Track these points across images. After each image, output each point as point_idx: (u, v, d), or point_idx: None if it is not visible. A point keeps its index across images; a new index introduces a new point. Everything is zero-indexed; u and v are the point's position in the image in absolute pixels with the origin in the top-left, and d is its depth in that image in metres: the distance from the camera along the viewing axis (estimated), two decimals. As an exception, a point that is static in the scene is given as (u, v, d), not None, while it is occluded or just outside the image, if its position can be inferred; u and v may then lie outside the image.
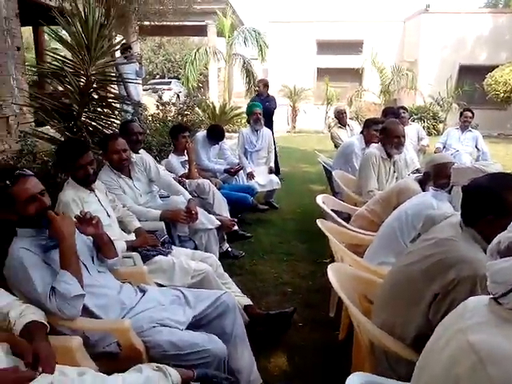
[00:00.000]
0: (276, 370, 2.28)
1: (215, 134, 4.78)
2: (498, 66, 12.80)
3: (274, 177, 5.15)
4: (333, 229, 2.67)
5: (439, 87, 13.27)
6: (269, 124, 6.07)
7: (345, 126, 6.21)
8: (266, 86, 6.56)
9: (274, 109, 6.74)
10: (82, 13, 3.81)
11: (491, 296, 1.03)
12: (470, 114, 6.04)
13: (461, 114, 6.22)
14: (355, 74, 15.52)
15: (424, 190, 2.72)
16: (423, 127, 12.51)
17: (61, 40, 4.04)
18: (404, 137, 3.63)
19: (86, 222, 1.97)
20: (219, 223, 3.29)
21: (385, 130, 3.66)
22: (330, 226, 2.68)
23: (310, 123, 14.15)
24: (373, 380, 1.34)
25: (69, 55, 4.05)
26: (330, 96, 13.99)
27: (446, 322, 1.12)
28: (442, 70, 13.88)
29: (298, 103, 14.39)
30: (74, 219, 1.94)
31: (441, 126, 12.96)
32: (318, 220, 2.60)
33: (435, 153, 5.97)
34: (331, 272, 1.83)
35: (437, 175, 2.63)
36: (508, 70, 12.29)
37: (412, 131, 6.08)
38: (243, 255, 3.69)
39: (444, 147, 6.17)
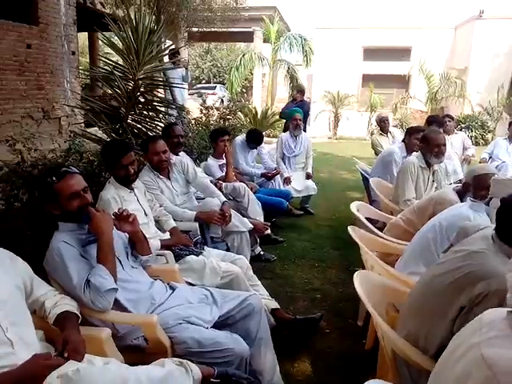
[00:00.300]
0: (299, 374, 2.29)
1: (254, 139, 4.84)
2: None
3: (310, 182, 5.15)
4: (364, 236, 2.64)
5: (489, 96, 12.76)
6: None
7: (386, 134, 6.11)
8: (300, 91, 6.74)
9: (307, 112, 6.90)
10: (133, 20, 4.00)
11: (509, 309, 1.01)
12: (519, 124, 5.77)
13: (510, 124, 5.95)
14: (402, 81, 15.22)
15: (462, 201, 2.65)
16: (471, 137, 12.08)
17: (111, 45, 4.25)
18: (445, 146, 3.52)
19: (123, 219, 2.06)
20: (252, 226, 3.33)
21: (425, 138, 3.57)
22: (362, 234, 2.66)
23: (353, 130, 13.99)
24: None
25: (121, 61, 4.25)
26: (374, 103, 13.77)
27: (462, 334, 1.10)
28: (494, 78, 13.31)
29: (341, 109, 14.27)
30: (112, 216, 2.04)
31: (489, 135, 12.46)
32: (349, 227, 2.59)
33: (480, 163, 5.76)
34: (358, 280, 1.83)
35: (477, 186, 2.55)
36: None
37: (457, 140, 5.90)
38: (275, 259, 3.72)
39: (490, 158, 5.91)
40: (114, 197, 2.51)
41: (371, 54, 16.05)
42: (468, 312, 1.42)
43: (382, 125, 6.12)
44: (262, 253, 3.70)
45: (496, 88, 12.79)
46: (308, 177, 5.22)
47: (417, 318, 1.63)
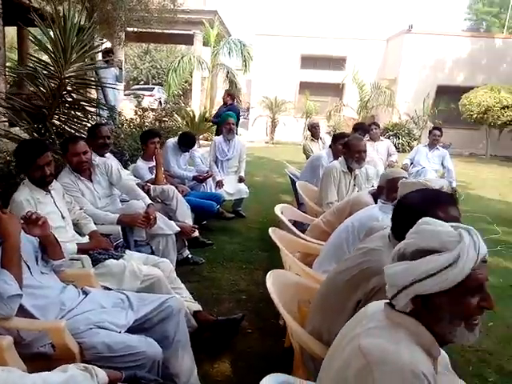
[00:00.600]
0: (218, 375, 2.31)
1: (186, 141, 4.82)
2: (473, 88, 13.22)
3: (243, 186, 5.21)
4: (285, 238, 2.72)
5: (416, 105, 13.64)
6: None
7: (317, 139, 6.35)
8: (230, 95, 6.90)
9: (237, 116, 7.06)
10: (62, 16, 3.86)
11: (387, 301, 1.09)
12: (438, 133, 6.21)
13: (430, 132, 6.40)
14: (337, 89, 15.86)
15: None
16: (398, 144, 12.86)
17: (37, 41, 4.07)
18: (365, 152, 3.72)
19: (32, 222, 1.97)
20: (178, 229, 3.31)
21: (347, 144, 3.76)
22: (283, 235, 2.74)
23: (289, 135, 14.35)
24: (288, 381, 1.39)
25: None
26: (309, 109, 14.22)
27: (349, 325, 1.17)
28: (420, 89, 14.24)
29: (278, 115, 14.58)
30: (21, 219, 1.95)
31: (415, 143, 13.28)
32: (270, 229, 2.66)
33: (402, 168, 6.13)
34: (270, 279, 1.88)
35: (389, 189, 2.71)
36: (482, 91, 12.70)
37: (382, 147, 6.26)
38: (203, 262, 3.72)
39: (412, 164, 6.32)
40: (28, 199, 2.41)
41: (308, 62, 16.55)
42: (363, 306, 1.51)
43: (313, 131, 6.36)
44: (190, 256, 3.69)
45: (422, 98, 13.69)
46: (240, 180, 5.27)
47: (321, 313, 1.71)
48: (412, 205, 1.55)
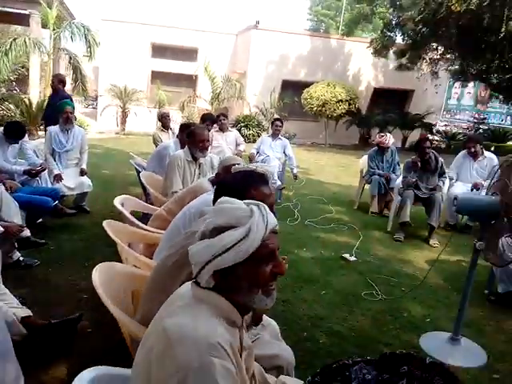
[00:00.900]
0: (53, 381, 2.15)
1: (13, 132, 4.31)
2: (313, 83, 14.54)
3: (85, 179, 4.87)
4: (125, 229, 2.65)
5: (264, 99, 14.48)
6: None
7: (167, 130, 6.28)
8: (62, 82, 6.18)
9: None
10: None
11: (193, 281, 1.14)
12: (279, 124, 6.68)
13: (272, 123, 6.85)
14: (190, 80, 15.89)
15: (217, 190, 2.90)
16: (249, 134, 13.53)
17: None
18: (208, 141, 3.81)
19: None
20: (2, 230, 2.95)
21: (191, 134, 3.80)
22: (122, 227, 2.66)
23: (142, 125, 13.91)
24: (107, 372, 1.36)
25: None
26: (162, 100, 14.00)
27: (162, 307, 1.19)
28: (267, 83, 15.14)
29: (129, 105, 14.02)
30: None
31: (264, 133, 14.12)
32: (104, 221, 2.55)
33: (249, 157, 6.49)
34: (96, 272, 1.81)
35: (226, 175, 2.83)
36: (321, 86, 14.06)
37: (231, 137, 6.50)
38: (38, 264, 3.40)
39: (258, 153, 6.70)
40: None
41: (160, 51, 16.21)
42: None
43: (164, 121, 6.28)
44: (21, 258, 3.33)
45: (269, 92, 14.57)
46: (82, 173, 4.93)
47: (150, 298, 1.71)
48: (231, 185, 1.65)
